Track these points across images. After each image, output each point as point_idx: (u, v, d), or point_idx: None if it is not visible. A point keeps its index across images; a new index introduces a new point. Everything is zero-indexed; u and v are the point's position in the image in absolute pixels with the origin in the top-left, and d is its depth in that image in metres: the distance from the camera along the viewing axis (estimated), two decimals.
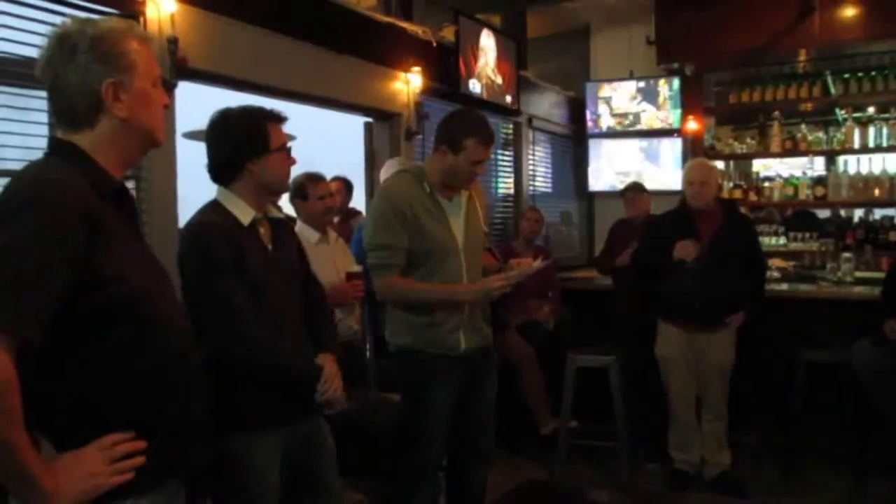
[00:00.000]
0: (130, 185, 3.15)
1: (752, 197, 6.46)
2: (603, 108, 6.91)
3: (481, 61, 5.40)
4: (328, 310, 2.37)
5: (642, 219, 4.90)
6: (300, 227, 3.40)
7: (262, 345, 2.01)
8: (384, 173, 4.04)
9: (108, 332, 1.38)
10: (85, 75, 1.41)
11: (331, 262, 3.41)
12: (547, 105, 6.79)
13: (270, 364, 2.03)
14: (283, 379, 2.06)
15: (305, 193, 3.42)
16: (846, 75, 6.09)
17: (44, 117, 2.68)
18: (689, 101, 6.60)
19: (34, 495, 1.30)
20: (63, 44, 1.41)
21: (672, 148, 6.75)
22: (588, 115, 6.98)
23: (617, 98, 6.87)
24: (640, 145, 6.91)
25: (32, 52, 1.49)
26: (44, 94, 1.47)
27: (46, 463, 1.31)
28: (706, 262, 3.71)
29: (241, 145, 2.06)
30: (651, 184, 5.74)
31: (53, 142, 1.46)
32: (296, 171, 2.27)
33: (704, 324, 3.81)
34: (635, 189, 5.09)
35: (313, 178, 3.46)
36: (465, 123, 2.71)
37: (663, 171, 6.72)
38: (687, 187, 3.87)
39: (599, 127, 6.95)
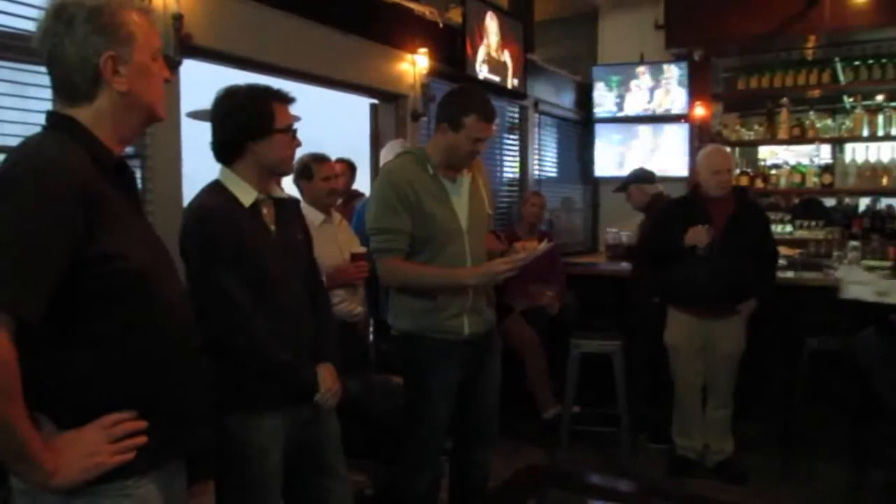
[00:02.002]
0: (135, 164, 3.13)
1: (759, 184, 6.43)
2: (610, 93, 6.87)
3: (488, 44, 5.35)
4: (328, 309, 2.34)
5: (643, 206, 4.87)
6: (304, 208, 3.39)
7: (258, 340, 2.00)
8: (384, 155, 4.01)
9: (109, 310, 1.36)
10: (83, 48, 1.38)
11: (335, 243, 3.40)
12: (553, 89, 6.74)
13: (264, 359, 2.02)
14: (277, 375, 2.05)
15: (310, 174, 3.40)
16: (856, 62, 6.03)
17: (44, 93, 2.64)
18: (696, 87, 6.55)
19: (34, 474, 1.29)
20: (60, 15, 1.38)
21: (678, 134, 6.71)
22: (595, 100, 6.93)
23: (625, 82, 6.83)
24: (646, 131, 6.86)
25: (32, 27, 1.46)
26: (45, 69, 1.44)
27: (47, 442, 1.30)
28: (718, 248, 3.68)
29: (245, 125, 2.03)
30: (656, 170, 5.69)
31: (52, 116, 1.43)
32: (300, 153, 2.24)
33: (715, 311, 3.79)
34: (638, 180, 5.04)
35: (318, 159, 3.44)
36: (465, 100, 2.66)
37: (668, 157, 6.68)
38: (711, 176, 3.79)
39: (606, 112, 6.91)
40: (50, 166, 1.29)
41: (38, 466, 1.27)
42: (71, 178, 1.30)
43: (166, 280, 1.50)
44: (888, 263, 4.46)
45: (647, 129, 6.85)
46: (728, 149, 4.51)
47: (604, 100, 6.91)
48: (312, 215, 3.33)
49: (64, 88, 1.42)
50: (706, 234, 3.65)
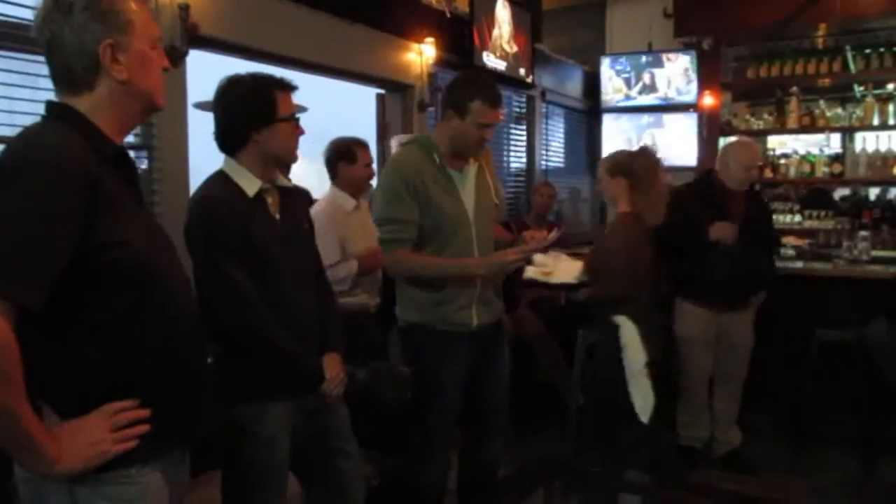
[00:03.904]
0: (142, 154, 3.14)
1: (768, 173, 6.39)
2: (618, 82, 6.84)
3: (496, 33, 5.33)
4: (332, 297, 2.33)
5: None
6: (335, 193, 3.34)
7: (263, 329, 2.00)
8: (395, 148, 4.00)
9: (111, 298, 1.37)
10: (82, 35, 1.37)
11: (367, 228, 3.38)
12: (561, 78, 6.71)
13: (270, 348, 2.03)
14: (282, 364, 2.06)
15: (354, 157, 3.37)
16: (866, 51, 5.97)
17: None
18: (705, 76, 6.50)
19: (37, 462, 1.29)
20: (59, 3, 1.38)
21: (687, 123, 6.67)
22: (602, 89, 6.90)
23: (633, 72, 6.80)
24: (653, 120, 6.83)
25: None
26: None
27: (49, 430, 1.30)
28: (738, 242, 3.67)
29: (248, 113, 2.02)
30: (664, 159, 5.67)
31: (51, 105, 1.43)
32: (305, 142, 2.23)
33: (732, 304, 3.78)
34: None
35: (361, 144, 3.42)
36: (469, 85, 2.63)
37: (677, 147, 6.65)
38: (742, 172, 3.71)
39: (615, 100, 6.88)
40: (50, 155, 1.29)
41: (42, 455, 1.28)
42: (72, 167, 1.29)
43: (169, 269, 1.49)
44: None
45: (654, 118, 6.82)
46: (731, 139, 4.46)
47: (611, 89, 6.88)
48: (344, 201, 3.32)
49: (63, 77, 1.42)
50: (733, 230, 3.62)
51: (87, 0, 1.38)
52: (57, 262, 1.26)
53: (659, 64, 6.71)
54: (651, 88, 6.78)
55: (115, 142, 1.45)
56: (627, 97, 6.88)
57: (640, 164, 3.26)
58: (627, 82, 6.85)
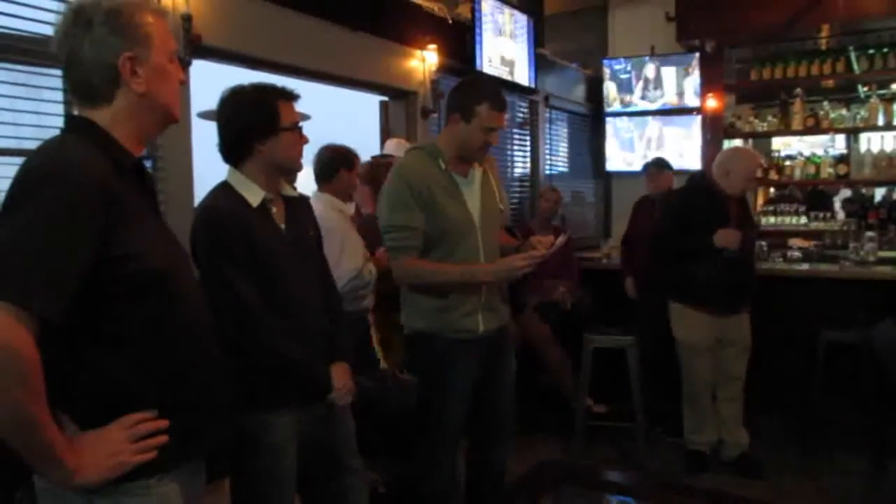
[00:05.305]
0: (146, 164, 3.14)
1: (773, 175, 6.37)
2: (619, 85, 6.84)
3: (501, 40, 5.33)
4: (340, 306, 2.34)
5: (661, 195, 4.84)
6: (331, 199, 3.35)
7: (271, 339, 2.01)
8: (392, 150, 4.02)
9: (130, 310, 1.37)
10: (100, 48, 1.39)
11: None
12: (564, 83, 6.71)
13: (277, 358, 2.03)
14: (290, 373, 2.06)
15: (352, 165, 3.39)
16: (870, 51, 5.96)
17: (59, 96, 2.66)
18: (709, 79, 6.49)
19: (57, 473, 1.30)
20: (78, 17, 1.39)
21: (691, 126, 6.66)
22: (606, 93, 6.89)
23: (635, 75, 6.79)
24: (658, 123, 6.82)
25: (47, 30, 1.47)
26: (58, 72, 1.46)
27: (70, 441, 1.31)
28: (740, 248, 3.69)
29: (251, 124, 2.03)
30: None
31: (71, 119, 1.45)
32: (308, 150, 2.23)
33: (734, 307, 3.78)
34: (658, 165, 5.04)
35: (355, 153, 3.45)
36: (476, 90, 2.63)
37: (681, 150, 6.63)
38: (745, 181, 3.76)
39: (619, 105, 6.87)
40: (70, 168, 1.30)
41: (62, 465, 1.28)
42: (91, 180, 1.30)
43: (185, 280, 1.51)
44: None
45: (659, 121, 6.81)
46: (736, 141, 4.47)
47: (614, 92, 6.87)
48: (343, 206, 3.34)
49: (82, 91, 1.43)
50: (738, 237, 3.63)
51: (107, 14, 1.39)
52: (76, 274, 1.27)
53: (662, 63, 6.70)
54: (655, 83, 6.74)
55: (133, 154, 1.46)
56: (626, 104, 6.86)
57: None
58: (628, 84, 6.83)
